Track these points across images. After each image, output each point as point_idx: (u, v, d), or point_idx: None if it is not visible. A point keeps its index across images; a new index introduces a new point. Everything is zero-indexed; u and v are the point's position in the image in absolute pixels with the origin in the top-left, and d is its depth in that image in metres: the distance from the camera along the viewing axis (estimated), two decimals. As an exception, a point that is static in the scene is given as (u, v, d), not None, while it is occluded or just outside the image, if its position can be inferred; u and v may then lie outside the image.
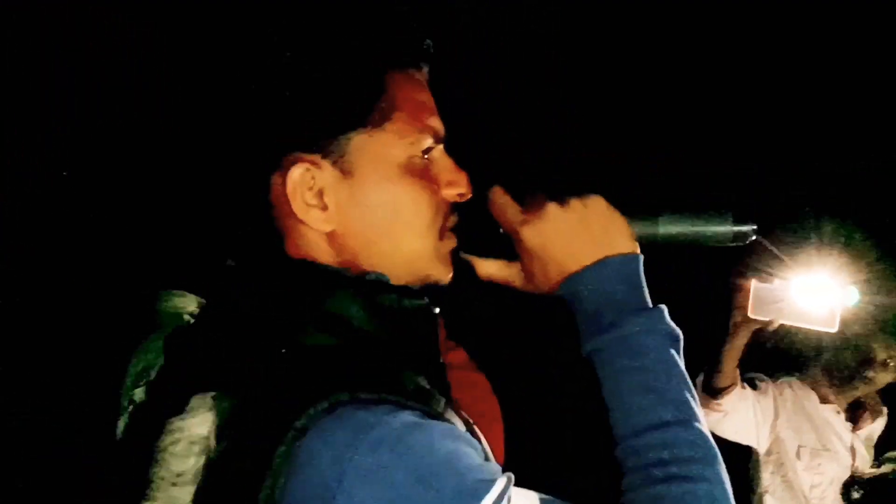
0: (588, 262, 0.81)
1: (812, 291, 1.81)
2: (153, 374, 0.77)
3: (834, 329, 1.79)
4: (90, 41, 2.00)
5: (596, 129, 2.64)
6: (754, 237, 0.86)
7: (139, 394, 0.76)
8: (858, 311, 1.99)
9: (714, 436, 0.77)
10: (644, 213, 0.86)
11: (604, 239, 0.82)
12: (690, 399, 0.77)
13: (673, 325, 0.79)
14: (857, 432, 2.45)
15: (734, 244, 0.87)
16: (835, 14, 2.45)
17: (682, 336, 0.80)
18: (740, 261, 1.89)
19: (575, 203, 0.83)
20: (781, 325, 1.94)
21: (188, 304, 0.80)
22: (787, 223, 1.84)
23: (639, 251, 0.84)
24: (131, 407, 0.76)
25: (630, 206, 0.85)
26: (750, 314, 1.91)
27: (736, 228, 0.86)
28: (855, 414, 2.48)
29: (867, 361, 2.35)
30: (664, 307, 0.80)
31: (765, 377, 2.43)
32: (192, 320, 0.79)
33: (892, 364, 2.34)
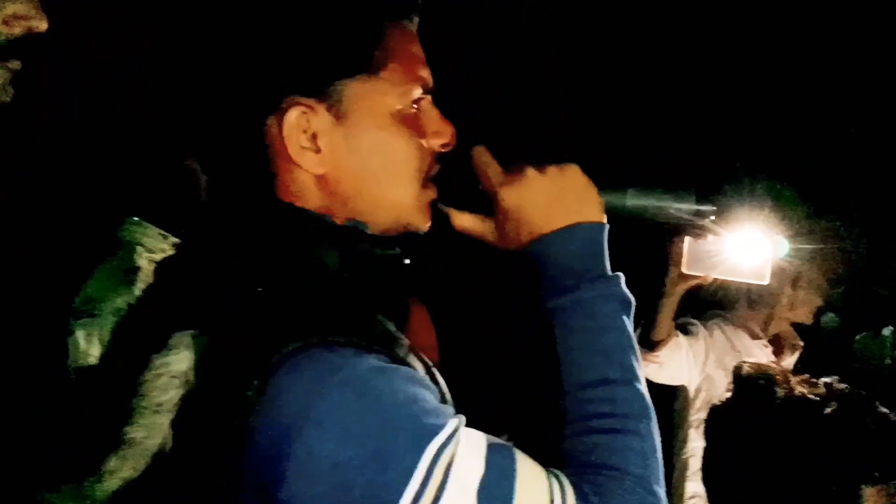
0: (558, 227, 0.86)
1: (744, 246, 1.85)
2: (96, 307, 0.78)
3: (765, 282, 1.85)
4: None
5: (582, 105, 2.69)
6: (713, 217, 0.93)
7: (77, 326, 0.79)
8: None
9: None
10: (614, 185, 0.92)
11: (575, 206, 0.86)
12: (633, 361, 0.83)
13: (627, 292, 0.85)
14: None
15: (693, 220, 0.93)
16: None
17: (634, 302, 0.86)
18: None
19: (552, 170, 0.87)
20: (715, 280, 1.99)
21: (146, 234, 0.82)
22: (721, 182, 1.87)
23: (605, 221, 0.89)
24: (74, 335, 0.79)
25: (602, 178, 0.90)
26: (685, 270, 1.96)
27: (697, 206, 0.92)
28: (777, 348, 2.62)
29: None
30: (621, 275, 0.86)
31: (695, 321, 2.51)
32: (147, 251, 0.81)
33: (801, 282, 2.44)
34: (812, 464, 1.12)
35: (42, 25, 0.79)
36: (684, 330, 2.42)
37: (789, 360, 2.61)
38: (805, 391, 1.19)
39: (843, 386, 1.20)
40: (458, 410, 0.75)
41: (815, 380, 1.23)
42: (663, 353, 2.25)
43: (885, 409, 1.18)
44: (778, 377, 1.24)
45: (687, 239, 1.91)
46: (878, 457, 1.13)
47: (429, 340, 0.97)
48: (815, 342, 2.65)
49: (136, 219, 0.82)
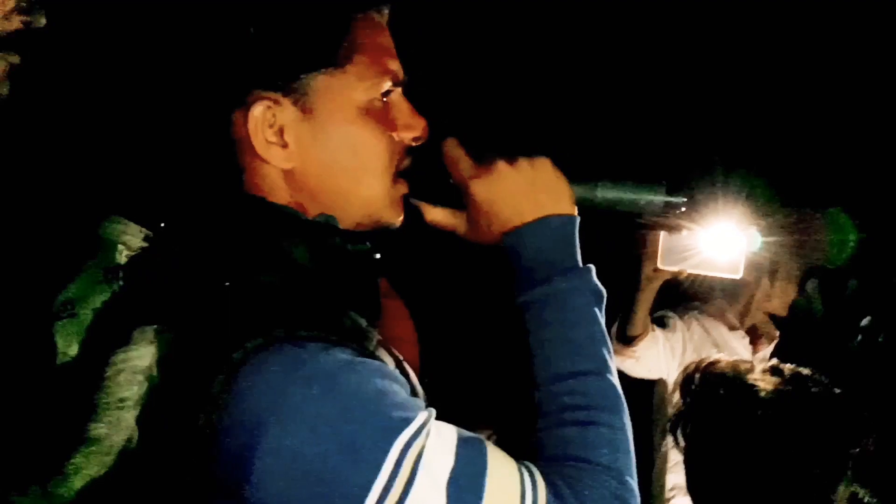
0: (529, 219, 0.86)
1: (717, 240, 1.86)
2: (76, 308, 0.78)
3: (738, 275, 1.86)
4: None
5: (552, 98, 2.70)
6: (684, 209, 0.94)
7: (58, 326, 0.77)
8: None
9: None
10: (584, 178, 0.92)
11: (546, 199, 0.87)
12: (605, 353, 0.83)
13: (598, 284, 0.86)
14: (756, 355, 2.59)
15: (664, 213, 0.94)
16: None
17: (605, 294, 0.86)
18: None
19: (523, 162, 0.88)
20: (690, 275, 2.00)
21: (127, 231, 0.81)
22: (694, 176, 1.89)
23: (576, 213, 0.89)
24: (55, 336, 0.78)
25: (572, 171, 0.90)
26: (660, 265, 1.97)
27: (667, 199, 0.93)
28: (753, 338, 2.63)
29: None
30: (592, 267, 0.87)
31: (672, 314, 2.50)
32: (128, 249, 0.80)
33: (778, 274, 2.45)
34: (777, 451, 1.13)
35: (40, 20, 0.79)
36: (661, 323, 2.41)
37: (766, 351, 2.63)
38: (755, 378, 1.20)
39: (789, 366, 1.22)
40: (435, 404, 0.74)
41: (768, 365, 1.24)
42: (640, 348, 2.25)
43: (831, 385, 1.19)
44: (723, 372, 1.25)
45: (662, 234, 1.92)
46: (830, 431, 1.14)
47: (406, 334, 0.97)
48: (793, 332, 2.67)
49: (116, 217, 0.81)
